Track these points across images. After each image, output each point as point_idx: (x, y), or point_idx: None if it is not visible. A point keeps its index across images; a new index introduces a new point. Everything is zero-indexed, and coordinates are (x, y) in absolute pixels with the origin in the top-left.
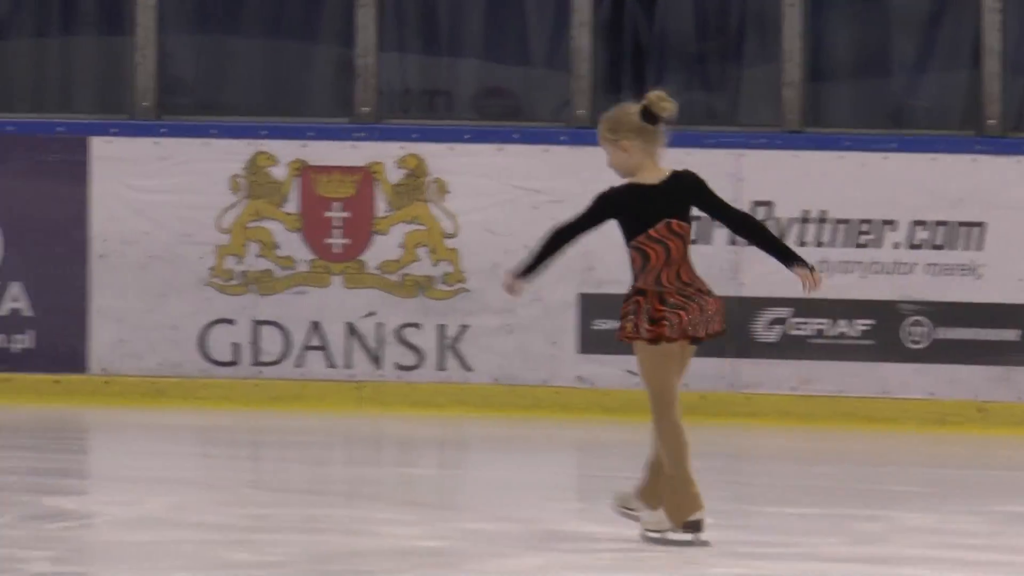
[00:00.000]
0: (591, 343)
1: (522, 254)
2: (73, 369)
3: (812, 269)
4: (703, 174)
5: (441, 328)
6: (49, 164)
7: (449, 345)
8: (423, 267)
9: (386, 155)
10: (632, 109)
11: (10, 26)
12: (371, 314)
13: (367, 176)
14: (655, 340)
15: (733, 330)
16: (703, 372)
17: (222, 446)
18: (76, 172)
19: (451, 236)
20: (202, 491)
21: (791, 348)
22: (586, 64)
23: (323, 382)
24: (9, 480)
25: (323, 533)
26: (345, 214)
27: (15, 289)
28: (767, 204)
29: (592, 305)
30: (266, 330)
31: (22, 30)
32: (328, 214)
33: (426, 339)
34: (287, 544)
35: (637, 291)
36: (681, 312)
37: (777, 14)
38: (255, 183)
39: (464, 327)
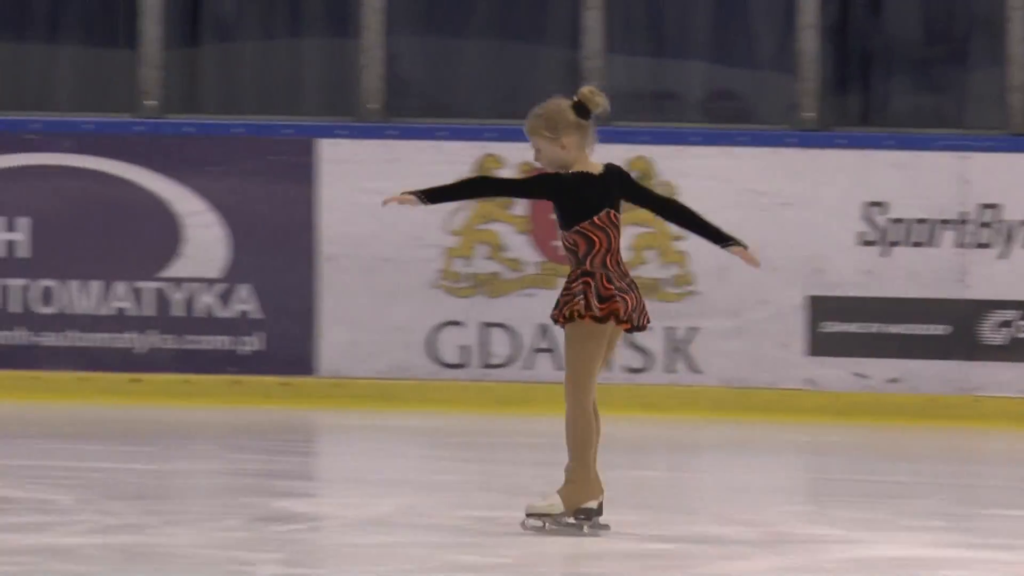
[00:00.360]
0: (820, 346)
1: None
2: (302, 372)
3: (746, 247)
4: (929, 176)
5: (670, 331)
6: (276, 166)
7: (678, 348)
8: (652, 270)
9: (614, 157)
10: (564, 105)
11: (238, 28)
12: None
13: None
14: (604, 318)
15: (961, 332)
16: (932, 375)
17: (451, 448)
18: (303, 174)
19: (679, 239)
20: (431, 493)
21: (1019, 350)
22: (812, 67)
23: (551, 384)
24: (238, 483)
25: (551, 535)
26: None
27: (244, 292)
28: (994, 207)
29: (821, 308)
30: (495, 332)
31: (250, 32)
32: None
33: (655, 342)
34: (516, 546)
35: (584, 272)
36: (626, 296)
37: (1002, 18)
38: None
39: (693, 330)
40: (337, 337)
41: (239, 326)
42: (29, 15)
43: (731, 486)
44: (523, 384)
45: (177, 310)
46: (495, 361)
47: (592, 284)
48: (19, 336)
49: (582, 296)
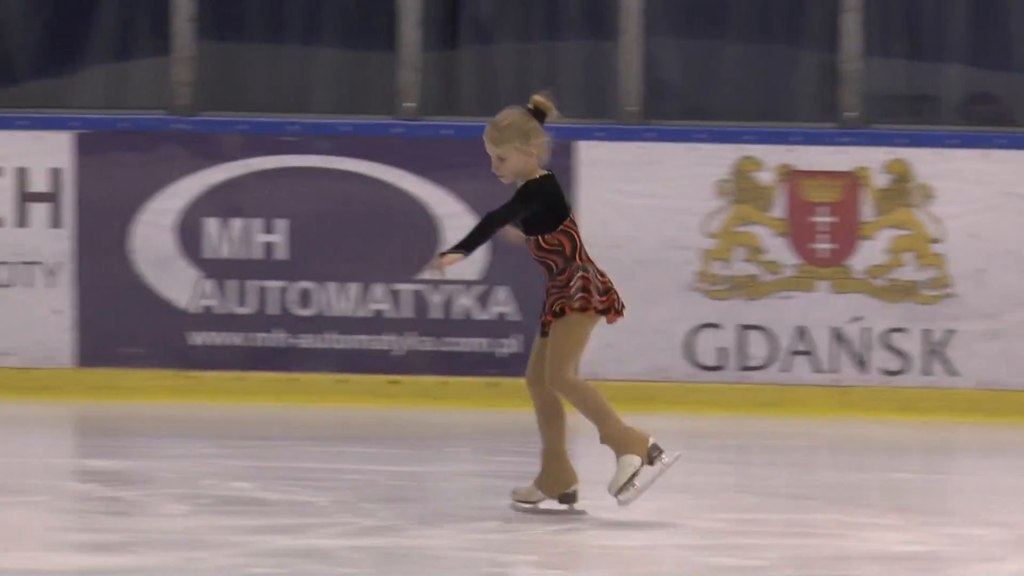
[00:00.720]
0: None
1: (1008, 260)
2: None
3: (444, 255)
4: None
5: (927, 333)
6: None
7: (935, 350)
8: (909, 272)
9: (872, 160)
10: (524, 113)
11: (496, 31)
12: (858, 319)
13: (853, 181)
14: (606, 310)
15: None
16: None
17: (708, 451)
18: (562, 177)
19: (937, 241)
20: (689, 496)
21: None
22: None
23: (808, 387)
24: (494, 484)
25: (808, 537)
26: (831, 219)
27: (501, 294)
28: None
29: None
30: (752, 335)
31: (508, 35)
32: (814, 219)
33: (912, 344)
34: (773, 548)
35: (579, 268)
36: (613, 290)
37: None
38: (741, 188)
39: (950, 332)
40: (594, 340)
41: (497, 328)
42: (288, 18)
43: (986, 488)
44: (780, 386)
45: (435, 312)
46: (752, 363)
47: (590, 278)
48: (277, 338)
49: (583, 292)
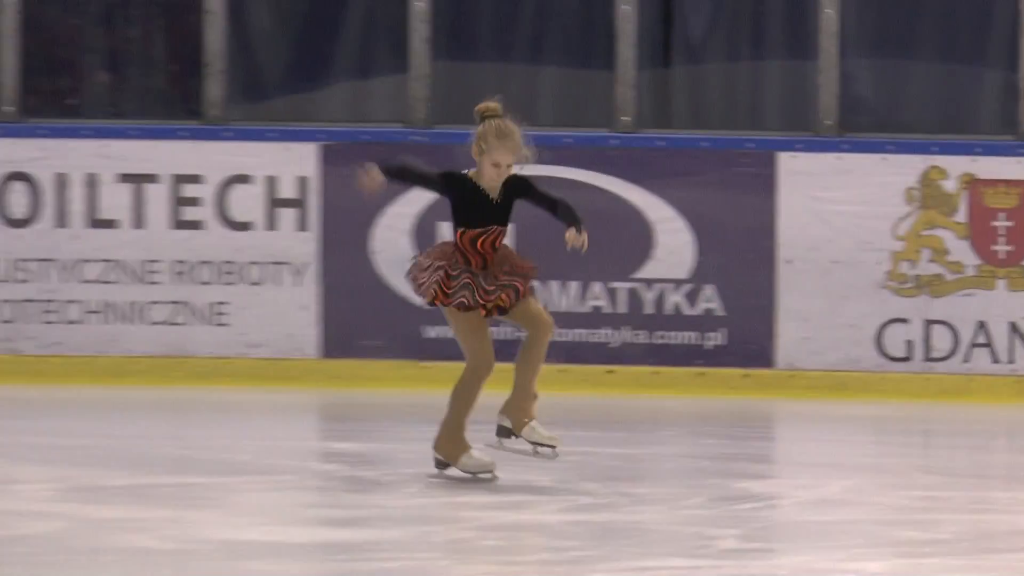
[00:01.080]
0: None
1: None
2: (761, 364)
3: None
4: None
5: None
6: (739, 177)
7: None
8: None
9: None
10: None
11: (705, 52)
12: None
13: None
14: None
15: None
16: None
17: (895, 435)
18: (764, 185)
19: None
20: (876, 475)
21: None
22: None
23: (988, 376)
24: (702, 465)
25: (988, 513)
26: (1009, 223)
27: (708, 291)
28: None
29: None
30: (937, 329)
31: (716, 55)
32: (994, 223)
33: None
34: (954, 523)
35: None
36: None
37: None
38: (928, 195)
39: None
40: (793, 333)
41: (704, 323)
42: (514, 40)
43: None
44: (962, 376)
45: (648, 308)
46: (937, 355)
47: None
48: (505, 331)
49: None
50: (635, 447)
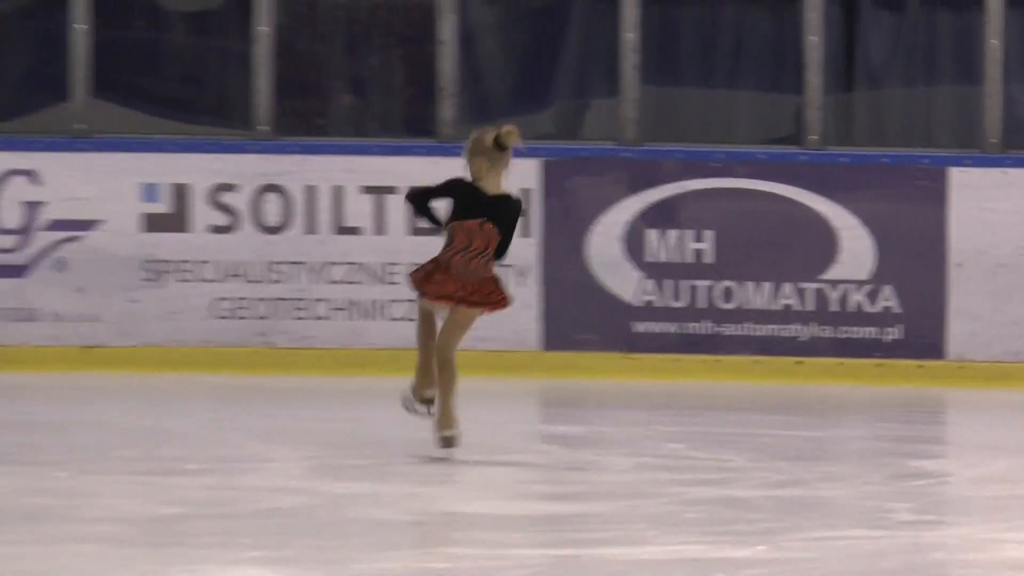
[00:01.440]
0: None
1: None
2: (934, 356)
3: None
4: None
5: None
6: (915, 189)
7: None
8: None
9: None
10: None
11: (885, 77)
12: None
13: None
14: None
15: None
16: None
17: None
18: (936, 196)
19: None
20: None
21: None
22: None
23: None
24: (880, 447)
25: None
26: None
27: (887, 291)
28: None
29: None
30: None
31: (894, 81)
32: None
33: None
34: None
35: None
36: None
37: None
38: None
39: None
40: (962, 328)
41: (883, 319)
42: (714, 67)
43: None
44: None
45: (833, 306)
46: None
47: None
48: (705, 327)
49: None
50: (820, 431)
